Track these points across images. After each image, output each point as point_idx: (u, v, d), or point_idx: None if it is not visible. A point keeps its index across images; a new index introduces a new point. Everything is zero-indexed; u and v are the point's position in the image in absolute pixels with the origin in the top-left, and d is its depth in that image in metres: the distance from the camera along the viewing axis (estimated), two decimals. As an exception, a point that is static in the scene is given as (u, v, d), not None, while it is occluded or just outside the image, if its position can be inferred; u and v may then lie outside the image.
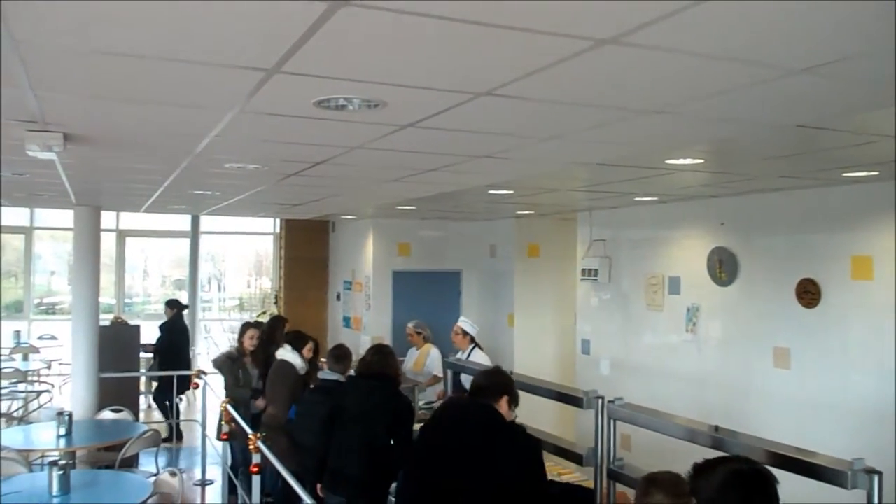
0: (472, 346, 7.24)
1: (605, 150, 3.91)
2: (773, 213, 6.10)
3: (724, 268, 6.53)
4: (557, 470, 5.17)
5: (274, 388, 6.14)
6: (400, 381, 5.16)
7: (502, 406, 3.47)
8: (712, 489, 2.35)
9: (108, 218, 11.58)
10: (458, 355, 6.95)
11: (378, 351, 5.13)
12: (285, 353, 6.20)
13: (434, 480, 3.43)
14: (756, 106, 2.80)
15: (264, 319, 10.75)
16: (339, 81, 2.48)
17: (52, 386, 10.98)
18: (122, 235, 14.10)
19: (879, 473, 2.84)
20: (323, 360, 6.42)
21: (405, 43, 2.05)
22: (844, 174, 4.90)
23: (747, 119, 3.06)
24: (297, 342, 6.31)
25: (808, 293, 5.72)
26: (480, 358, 7.04)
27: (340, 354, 5.53)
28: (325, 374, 5.54)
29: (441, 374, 6.79)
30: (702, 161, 4.50)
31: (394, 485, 4.56)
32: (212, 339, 14.76)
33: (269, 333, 7.12)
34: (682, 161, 4.42)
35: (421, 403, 7.01)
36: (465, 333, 7.27)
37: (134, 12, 1.84)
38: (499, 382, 3.58)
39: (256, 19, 1.87)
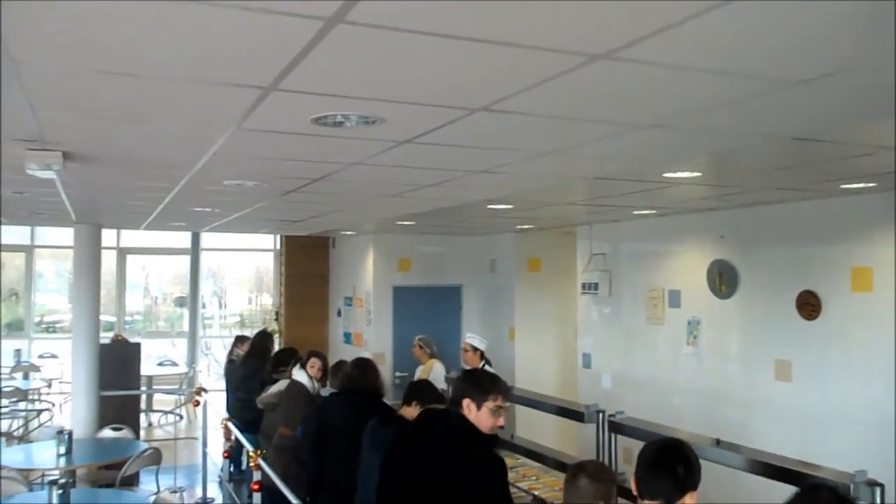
0: (483, 361, 6.94)
1: (602, 164, 3.93)
2: (772, 225, 6.11)
3: (724, 280, 6.52)
4: (559, 484, 5.15)
5: (284, 408, 6.05)
6: (382, 395, 5.11)
7: (468, 410, 3.22)
8: (639, 468, 2.59)
9: (108, 235, 11.61)
10: None
11: (359, 365, 5.07)
12: (296, 374, 6.12)
13: (404, 496, 3.27)
14: (753, 119, 2.81)
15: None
16: (336, 98, 2.49)
17: (53, 404, 10.97)
18: (122, 253, 14.11)
19: (882, 486, 2.84)
20: None
21: (401, 60, 2.06)
22: (842, 186, 4.91)
23: (744, 132, 3.07)
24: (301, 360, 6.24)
25: (809, 305, 5.71)
26: None
27: (338, 370, 5.48)
28: (326, 391, 5.51)
29: (445, 387, 6.74)
30: (700, 174, 4.51)
31: None
32: (212, 356, 14.73)
33: (262, 347, 7.81)
34: (679, 174, 4.44)
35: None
36: (474, 349, 6.98)
37: (130, 31, 1.85)
38: (457, 389, 3.33)
39: (253, 37, 1.88)
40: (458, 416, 3.21)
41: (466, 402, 3.20)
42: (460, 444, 3.16)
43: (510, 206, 6.42)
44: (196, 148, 3.48)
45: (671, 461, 2.58)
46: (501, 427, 3.35)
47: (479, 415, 3.19)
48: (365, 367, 5.01)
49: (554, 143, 3.33)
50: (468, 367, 6.93)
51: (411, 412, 4.28)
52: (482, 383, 3.27)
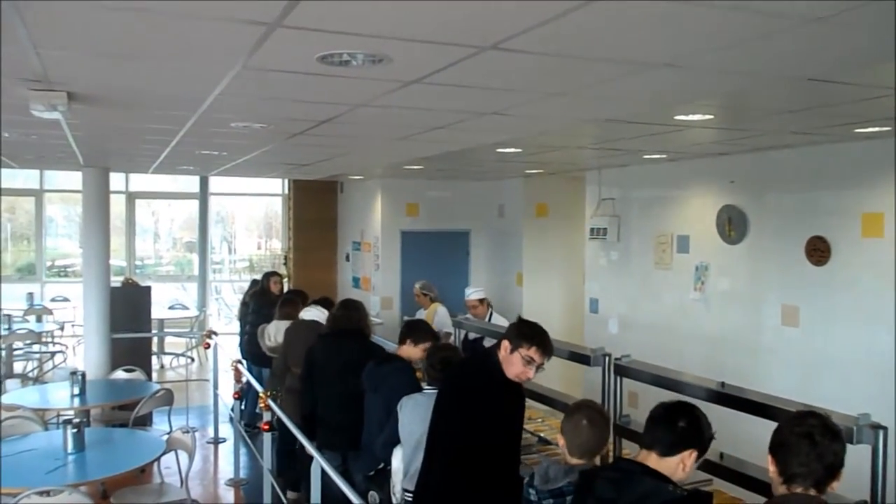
0: (490, 310, 7.23)
1: (612, 105, 3.87)
2: (783, 170, 6.04)
3: (733, 226, 6.49)
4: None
5: (292, 350, 6.01)
6: (368, 334, 5.22)
7: (504, 350, 3.34)
8: (646, 422, 2.62)
9: (117, 180, 11.61)
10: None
11: (343, 306, 5.20)
12: (315, 313, 6.07)
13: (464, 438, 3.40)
14: (766, 58, 2.75)
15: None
16: (342, 36, 2.44)
17: (66, 347, 11.12)
18: (131, 197, 14.13)
19: (885, 429, 2.84)
20: None
21: (407, -6, 2.02)
22: (856, 130, 4.83)
23: (757, 72, 3.01)
24: (327, 305, 6.22)
25: (818, 251, 5.68)
26: (501, 321, 7.10)
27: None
28: None
29: (451, 331, 6.81)
30: (711, 117, 4.44)
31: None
32: (222, 300, 14.86)
33: (262, 289, 8.41)
34: (691, 117, 4.37)
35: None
36: (478, 302, 7.18)
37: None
38: (506, 330, 3.50)
39: (255, -29, 1.84)
40: (493, 358, 3.38)
41: (505, 343, 3.35)
42: (488, 380, 3.36)
43: (519, 150, 6.36)
44: (201, 87, 3.44)
45: (675, 416, 2.56)
46: (528, 379, 3.42)
47: (510, 358, 3.32)
48: (348, 308, 5.13)
49: (564, 84, 3.27)
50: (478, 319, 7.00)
51: (407, 350, 4.54)
52: (524, 331, 3.36)
